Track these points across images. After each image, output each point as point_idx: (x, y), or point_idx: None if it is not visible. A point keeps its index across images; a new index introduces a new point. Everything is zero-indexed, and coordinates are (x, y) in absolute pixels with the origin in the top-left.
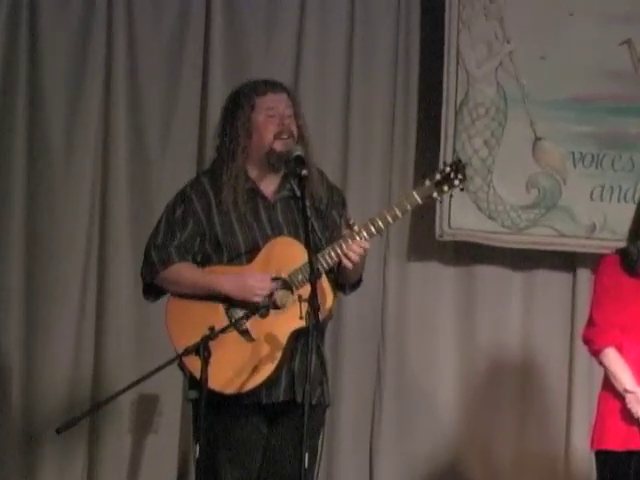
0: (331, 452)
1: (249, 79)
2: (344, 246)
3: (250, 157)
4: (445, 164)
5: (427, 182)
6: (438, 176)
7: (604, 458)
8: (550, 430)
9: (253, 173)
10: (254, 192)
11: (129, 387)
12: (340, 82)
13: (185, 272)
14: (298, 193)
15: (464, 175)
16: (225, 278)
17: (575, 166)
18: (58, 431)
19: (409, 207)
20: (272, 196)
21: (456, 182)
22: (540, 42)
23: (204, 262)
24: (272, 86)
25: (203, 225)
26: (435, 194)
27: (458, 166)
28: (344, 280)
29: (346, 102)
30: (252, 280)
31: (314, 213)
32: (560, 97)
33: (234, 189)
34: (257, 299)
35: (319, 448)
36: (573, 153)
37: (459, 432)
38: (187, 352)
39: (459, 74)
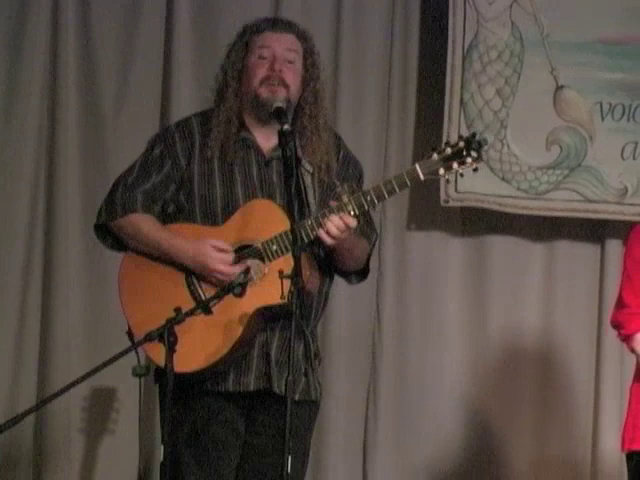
0: (318, 459)
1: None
2: (326, 219)
3: (244, 104)
4: (460, 137)
5: (435, 155)
6: (449, 150)
7: (637, 460)
8: (575, 429)
9: (250, 123)
10: (248, 142)
11: (80, 379)
12: (327, 23)
13: (143, 226)
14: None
15: (479, 154)
16: (183, 245)
17: (603, 119)
18: None
19: (409, 183)
20: (269, 152)
21: (469, 160)
22: None
23: (175, 216)
24: (273, 24)
25: (182, 169)
26: (442, 171)
27: (474, 141)
28: (341, 265)
29: (334, 46)
30: (212, 260)
31: (316, 183)
32: (586, 39)
33: (222, 134)
34: (218, 278)
35: (307, 452)
36: (601, 104)
37: (468, 434)
38: (150, 338)
39: (467, 12)
